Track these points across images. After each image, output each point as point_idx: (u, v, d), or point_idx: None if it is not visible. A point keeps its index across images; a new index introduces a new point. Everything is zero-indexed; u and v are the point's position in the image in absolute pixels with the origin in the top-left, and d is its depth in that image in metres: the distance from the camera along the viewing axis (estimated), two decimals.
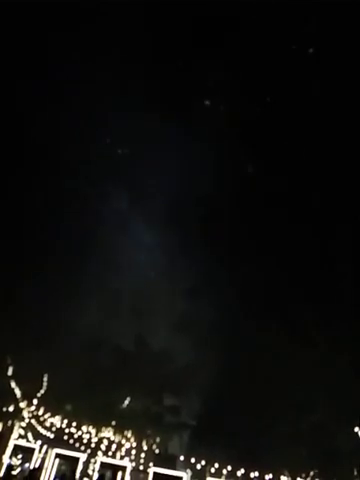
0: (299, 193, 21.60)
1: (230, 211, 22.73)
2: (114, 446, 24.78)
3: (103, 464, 22.58)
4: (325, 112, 20.01)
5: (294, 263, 21.76)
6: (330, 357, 20.39)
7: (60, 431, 24.85)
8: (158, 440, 24.86)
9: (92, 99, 20.23)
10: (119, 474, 22.14)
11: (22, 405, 24.57)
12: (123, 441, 25.08)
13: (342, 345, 20.47)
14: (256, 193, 22.18)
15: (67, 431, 25.02)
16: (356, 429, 21.88)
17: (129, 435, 25.19)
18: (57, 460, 22.65)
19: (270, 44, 19.28)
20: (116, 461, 23.55)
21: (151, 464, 23.31)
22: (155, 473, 19.64)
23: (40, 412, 25.03)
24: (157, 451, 24.45)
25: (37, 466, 21.70)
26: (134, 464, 23.79)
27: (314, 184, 21.65)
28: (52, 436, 24.31)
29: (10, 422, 23.57)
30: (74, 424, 25.11)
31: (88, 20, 19.27)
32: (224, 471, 22.82)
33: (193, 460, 23.31)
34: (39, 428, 24.48)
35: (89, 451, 24.13)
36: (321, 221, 21.59)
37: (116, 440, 25.11)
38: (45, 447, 23.15)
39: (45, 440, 23.94)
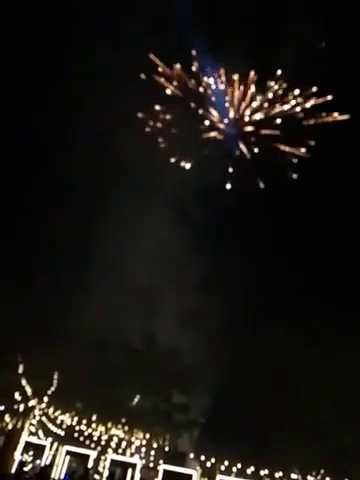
0: (308, 194, 21.55)
1: (240, 208, 22.70)
2: (124, 443, 24.86)
3: (113, 461, 22.74)
4: None
5: (303, 261, 21.72)
6: (339, 353, 20.31)
7: (70, 428, 24.97)
8: (168, 438, 24.90)
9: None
10: (129, 471, 22.27)
11: (33, 403, 24.75)
12: (133, 439, 25.15)
13: (352, 341, 20.36)
14: (268, 191, 22.14)
15: (77, 428, 25.13)
16: None
17: (139, 433, 25.26)
18: (68, 457, 22.84)
19: None
20: (126, 458, 23.68)
21: (161, 461, 23.38)
22: (165, 471, 19.74)
23: (50, 410, 25.19)
24: (167, 449, 24.50)
25: (48, 463, 21.90)
26: (144, 461, 23.88)
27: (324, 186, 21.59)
28: (63, 433, 24.46)
29: (21, 420, 23.78)
30: (84, 422, 25.22)
31: None
32: (234, 469, 22.82)
33: (203, 458, 23.34)
34: (50, 425, 24.64)
35: (99, 448, 24.26)
36: (330, 221, 21.51)
37: (126, 438, 25.19)
38: (56, 444, 23.32)
39: (56, 437, 24.10)
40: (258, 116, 22.59)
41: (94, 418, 25.31)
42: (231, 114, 22.71)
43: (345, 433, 21.47)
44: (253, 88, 21.94)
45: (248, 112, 22.57)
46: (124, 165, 22.21)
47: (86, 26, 20.78)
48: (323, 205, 22.23)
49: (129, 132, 21.47)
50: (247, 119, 22.71)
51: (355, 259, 21.37)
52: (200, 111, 22.42)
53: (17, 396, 23.54)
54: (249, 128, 23.09)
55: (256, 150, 22.78)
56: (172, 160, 22.28)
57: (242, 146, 22.95)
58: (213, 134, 23.04)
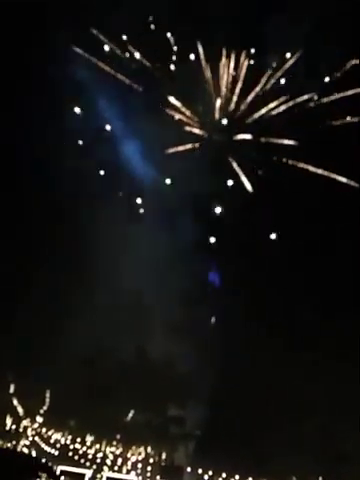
0: (303, 194, 21.64)
1: (231, 214, 22.78)
2: (120, 460, 24.51)
3: (109, 479, 22.36)
4: None
5: (295, 266, 21.83)
6: (332, 360, 20.38)
7: (65, 447, 24.59)
8: (164, 452, 24.61)
9: None
10: None
11: (25, 423, 24.33)
12: (128, 455, 24.82)
13: (344, 347, 20.48)
14: (259, 197, 22.22)
15: (72, 447, 24.76)
16: None
17: (134, 448, 24.93)
18: (62, 478, 22.38)
19: None
20: (123, 476, 23.33)
21: (158, 477, 23.08)
22: None
23: (44, 429, 24.80)
24: (163, 463, 24.19)
25: None
26: (141, 478, 23.53)
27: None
28: (57, 453, 24.05)
29: (14, 441, 23.34)
30: (78, 440, 24.85)
31: None
32: None
33: (200, 471, 23.10)
34: (43, 445, 24.21)
35: (95, 466, 23.87)
36: (326, 223, 21.64)
37: (121, 454, 24.86)
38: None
39: (49, 458, 23.65)
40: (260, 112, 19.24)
41: (88, 436, 24.96)
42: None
43: (342, 440, 21.44)
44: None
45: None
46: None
47: None
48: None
49: None
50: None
51: (351, 263, 21.46)
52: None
53: (8, 418, 23.13)
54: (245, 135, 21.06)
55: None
56: None
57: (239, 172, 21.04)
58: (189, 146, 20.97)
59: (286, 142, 20.28)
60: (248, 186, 21.05)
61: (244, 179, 21.23)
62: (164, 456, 24.53)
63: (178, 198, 22.14)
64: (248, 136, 20.87)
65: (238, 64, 20.50)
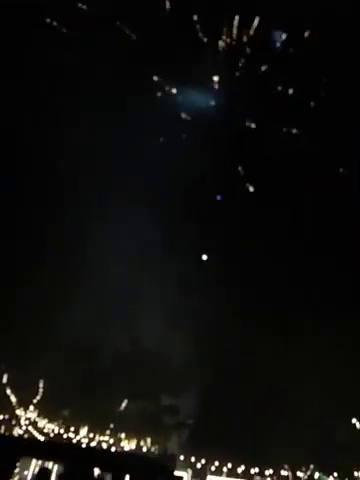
0: (296, 191, 21.62)
1: (226, 207, 22.65)
2: (113, 449, 24.59)
3: None
4: None
5: (289, 260, 21.83)
6: (325, 351, 20.45)
7: (58, 437, 24.63)
8: (157, 441, 24.74)
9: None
10: None
11: (18, 412, 24.36)
12: (122, 443, 24.93)
13: (337, 339, 20.54)
14: (252, 192, 22.18)
15: (65, 436, 24.83)
16: (354, 421, 21.99)
17: (128, 437, 25.05)
18: (55, 466, 22.43)
19: None
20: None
21: None
22: None
23: (37, 418, 24.84)
24: (156, 452, 24.31)
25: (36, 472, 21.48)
26: None
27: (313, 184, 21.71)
28: None
29: (6, 430, 23.33)
30: (72, 429, 24.93)
31: None
32: (224, 469, 22.81)
33: (193, 459, 23.24)
34: (36, 435, 24.25)
35: None
36: (320, 220, 21.65)
37: (115, 443, 24.96)
38: None
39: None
40: None
41: (82, 425, 25.03)
42: None
43: (334, 429, 21.61)
44: None
45: None
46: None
47: None
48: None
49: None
50: None
51: (348, 261, 21.45)
52: None
53: (2, 406, 23.12)
54: None
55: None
56: None
57: None
58: None
59: None
60: None
61: None
62: (157, 445, 24.66)
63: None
64: None
65: None
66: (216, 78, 21.93)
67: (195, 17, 20.79)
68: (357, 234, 21.02)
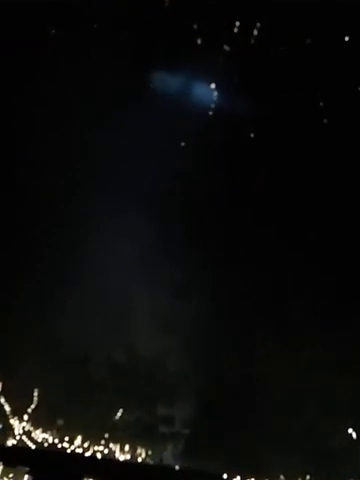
0: (292, 196, 21.73)
1: (219, 209, 22.69)
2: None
3: None
4: None
5: (283, 263, 21.88)
6: (320, 357, 20.44)
7: (52, 447, 24.42)
8: (152, 451, 24.54)
9: None
10: None
11: (12, 422, 24.15)
12: (117, 454, 24.72)
13: (331, 345, 20.55)
14: (247, 192, 22.21)
15: (60, 446, 24.60)
16: (350, 430, 21.93)
17: (123, 447, 24.84)
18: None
19: None
20: None
21: None
22: None
23: (31, 428, 24.62)
24: (152, 462, 24.12)
25: None
26: None
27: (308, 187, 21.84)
28: None
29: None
30: (66, 439, 24.71)
31: None
32: None
33: None
34: (30, 444, 24.02)
35: None
36: (315, 222, 21.72)
37: (110, 453, 24.74)
38: None
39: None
40: None
41: (76, 435, 24.83)
42: None
43: (329, 437, 21.54)
44: None
45: None
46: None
47: None
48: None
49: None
50: None
51: (344, 265, 21.52)
52: None
53: None
54: None
55: None
56: None
57: None
58: None
59: None
60: None
61: None
62: (152, 455, 24.45)
63: None
64: None
65: None
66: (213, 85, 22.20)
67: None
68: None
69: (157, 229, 21.63)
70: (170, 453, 24.07)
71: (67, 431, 24.84)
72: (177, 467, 22.86)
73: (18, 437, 24.07)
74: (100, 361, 23.53)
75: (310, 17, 19.94)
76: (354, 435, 21.69)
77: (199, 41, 20.78)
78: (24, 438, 24.29)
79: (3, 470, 21.60)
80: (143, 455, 24.61)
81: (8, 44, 19.90)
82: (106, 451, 24.97)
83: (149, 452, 24.54)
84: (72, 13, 20.47)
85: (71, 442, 24.90)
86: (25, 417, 24.54)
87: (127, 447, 24.79)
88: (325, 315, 20.68)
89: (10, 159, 21.14)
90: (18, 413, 24.55)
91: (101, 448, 24.75)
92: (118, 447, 24.89)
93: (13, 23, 19.91)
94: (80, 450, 24.80)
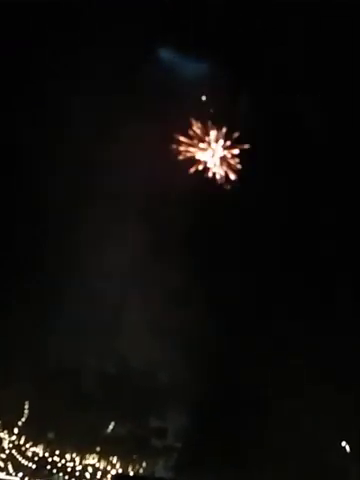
0: (292, 197, 21.53)
1: (214, 215, 22.38)
2: (99, 473, 24.11)
3: None
4: None
5: (282, 274, 21.68)
6: (315, 372, 20.26)
7: (43, 460, 24.09)
8: (145, 464, 24.23)
9: None
10: None
11: (1, 435, 23.79)
12: (108, 467, 24.41)
13: (327, 359, 20.37)
14: (243, 198, 21.92)
15: (50, 460, 24.27)
16: (343, 443, 21.76)
17: (114, 461, 24.51)
18: None
19: None
20: None
21: None
22: None
23: (21, 441, 24.26)
24: (144, 476, 23.84)
25: None
26: None
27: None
28: (34, 466, 23.51)
29: None
30: (57, 452, 24.37)
31: None
32: None
33: None
34: (20, 458, 23.66)
35: None
36: (312, 234, 21.56)
37: (101, 467, 24.41)
38: (26, 479, 22.39)
39: (27, 471, 23.13)
40: None
41: (67, 448, 24.51)
42: None
43: (323, 451, 21.34)
44: None
45: None
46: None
47: None
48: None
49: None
50: None
51: (339, 269, 21.34)
52: None
53: None
54: None
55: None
56: None
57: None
58: None
59: None
60: None
61: None
62: (145, 469, 24.15)
63: None
64: None
65: None
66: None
67: None
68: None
69: (153, 238, 21.35)
70: (162, 467, 23.79)
71: (58, 444, 24.50)
72: None
73: (7, 451, 23.72)
74: (91, 374, 23.25)
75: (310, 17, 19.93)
76: (348, 448, 21.52)
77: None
78: (14, 452, 23.94)
79: None
80: (136, 468, 24.33)
81: (8, 44, 19.82)
82: (97, 464, 24.67)
83: (143, 464, 24.28)
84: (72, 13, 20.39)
85: (62, 455, 24.56)
86: (15, 430, 24.19)
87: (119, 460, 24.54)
88: (321, 329, 20.44)
89: (10, 162, 20.99)
90: (8, 426, 24.20)
91: (93, 461, 24.45)
92: (110, 460, 24.60)
93: (13, 23, 19.84)
94: (71, 464, 24.47)
